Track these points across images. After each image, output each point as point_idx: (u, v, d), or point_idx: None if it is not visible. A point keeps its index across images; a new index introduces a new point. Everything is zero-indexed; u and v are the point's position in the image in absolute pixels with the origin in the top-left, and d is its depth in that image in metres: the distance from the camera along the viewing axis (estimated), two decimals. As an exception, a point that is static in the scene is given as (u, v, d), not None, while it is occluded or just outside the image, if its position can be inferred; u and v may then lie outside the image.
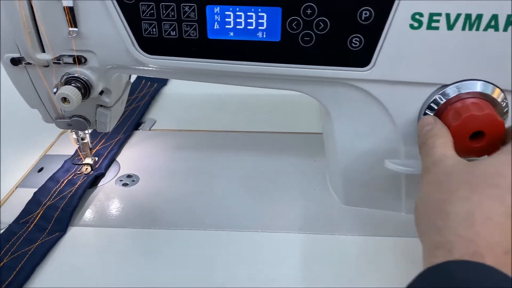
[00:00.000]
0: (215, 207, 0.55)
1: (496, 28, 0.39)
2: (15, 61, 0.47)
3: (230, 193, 0.57)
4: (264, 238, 0.50)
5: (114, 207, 0.55)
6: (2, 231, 0.51)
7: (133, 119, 0.73)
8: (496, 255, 0.29)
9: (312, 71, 0.44)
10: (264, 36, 0.43)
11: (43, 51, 0.46)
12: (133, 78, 0.84)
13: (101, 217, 0.53)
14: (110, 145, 0.65)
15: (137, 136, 0.70)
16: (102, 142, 0.66)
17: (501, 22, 0.39)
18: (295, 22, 0.41)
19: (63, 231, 0.50)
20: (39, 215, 0.52)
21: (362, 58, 0.42)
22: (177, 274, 0.46)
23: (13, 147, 0.67)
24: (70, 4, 0.42)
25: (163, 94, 0.84)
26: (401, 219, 0.52)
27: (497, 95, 0.43)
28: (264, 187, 0.58)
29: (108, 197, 0.56)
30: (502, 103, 0.43)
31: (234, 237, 0.50)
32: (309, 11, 0.41)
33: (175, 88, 0.86)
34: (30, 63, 0.47)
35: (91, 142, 0.60)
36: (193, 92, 0.84)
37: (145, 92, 0.82)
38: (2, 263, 0.45)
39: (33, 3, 0.43)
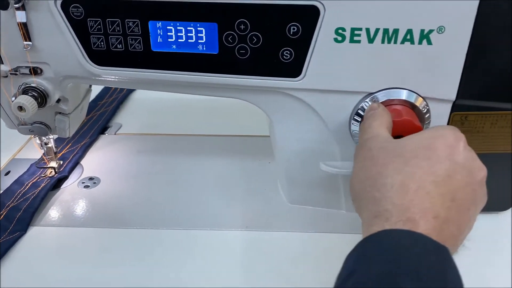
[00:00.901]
0: (168, 207, 0.58)
1: (411, 41, 0.43)
2: (-25, 72, 0.50)
3: (184, 194, 0.60)
4: (211, 235, 0.53)
5: (74, 208, 0.58)
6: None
7: (100, 124, 0.76)
8: (428, 220, 0.33)
9: (248, 81, 0.47)
10: (204, 48, 0.46)
11: (1, 62, 0.49)
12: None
13: (61, 217, 0.56)
14: (75, 149, 0.69)
15: (103, 140, 0.73)
16: (68, 146, 0.69)
17: (416, 36, 0.43)
18: (231, 36, 0.45)
19: (23, 230, 0.54)
20: (2, 216, 0.55)
21: (293, 69, 0.46)
22: (128, 271, 0.49)
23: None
24: (24, 20, 0.46)
25: (132, 99, 0.88)
26: (342, 217, 0.56)
27: (419, 102, 0.46)
28: (218, 189, 0.61)
29: (70, 199, 0.60)
30: (423, 109, 0.47)
31: (182, 235, 0.53)
32: (242, 27, 0.44)
33: (143, 94, 0.89)
34: (-11, 74, 0.50)
35: (56, 147, 0.64)
36: (161, 97, 0.86)
37: (114, 97, 0.85)
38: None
39: (-10, 19, 0.46)
